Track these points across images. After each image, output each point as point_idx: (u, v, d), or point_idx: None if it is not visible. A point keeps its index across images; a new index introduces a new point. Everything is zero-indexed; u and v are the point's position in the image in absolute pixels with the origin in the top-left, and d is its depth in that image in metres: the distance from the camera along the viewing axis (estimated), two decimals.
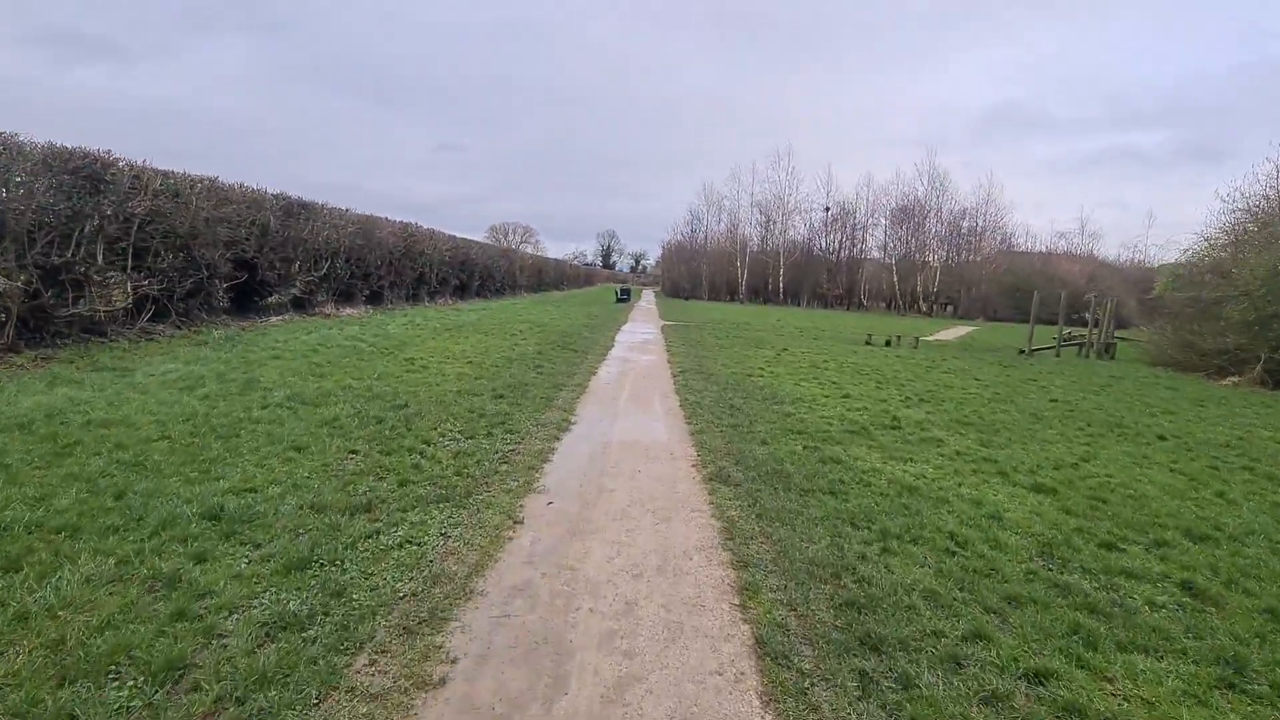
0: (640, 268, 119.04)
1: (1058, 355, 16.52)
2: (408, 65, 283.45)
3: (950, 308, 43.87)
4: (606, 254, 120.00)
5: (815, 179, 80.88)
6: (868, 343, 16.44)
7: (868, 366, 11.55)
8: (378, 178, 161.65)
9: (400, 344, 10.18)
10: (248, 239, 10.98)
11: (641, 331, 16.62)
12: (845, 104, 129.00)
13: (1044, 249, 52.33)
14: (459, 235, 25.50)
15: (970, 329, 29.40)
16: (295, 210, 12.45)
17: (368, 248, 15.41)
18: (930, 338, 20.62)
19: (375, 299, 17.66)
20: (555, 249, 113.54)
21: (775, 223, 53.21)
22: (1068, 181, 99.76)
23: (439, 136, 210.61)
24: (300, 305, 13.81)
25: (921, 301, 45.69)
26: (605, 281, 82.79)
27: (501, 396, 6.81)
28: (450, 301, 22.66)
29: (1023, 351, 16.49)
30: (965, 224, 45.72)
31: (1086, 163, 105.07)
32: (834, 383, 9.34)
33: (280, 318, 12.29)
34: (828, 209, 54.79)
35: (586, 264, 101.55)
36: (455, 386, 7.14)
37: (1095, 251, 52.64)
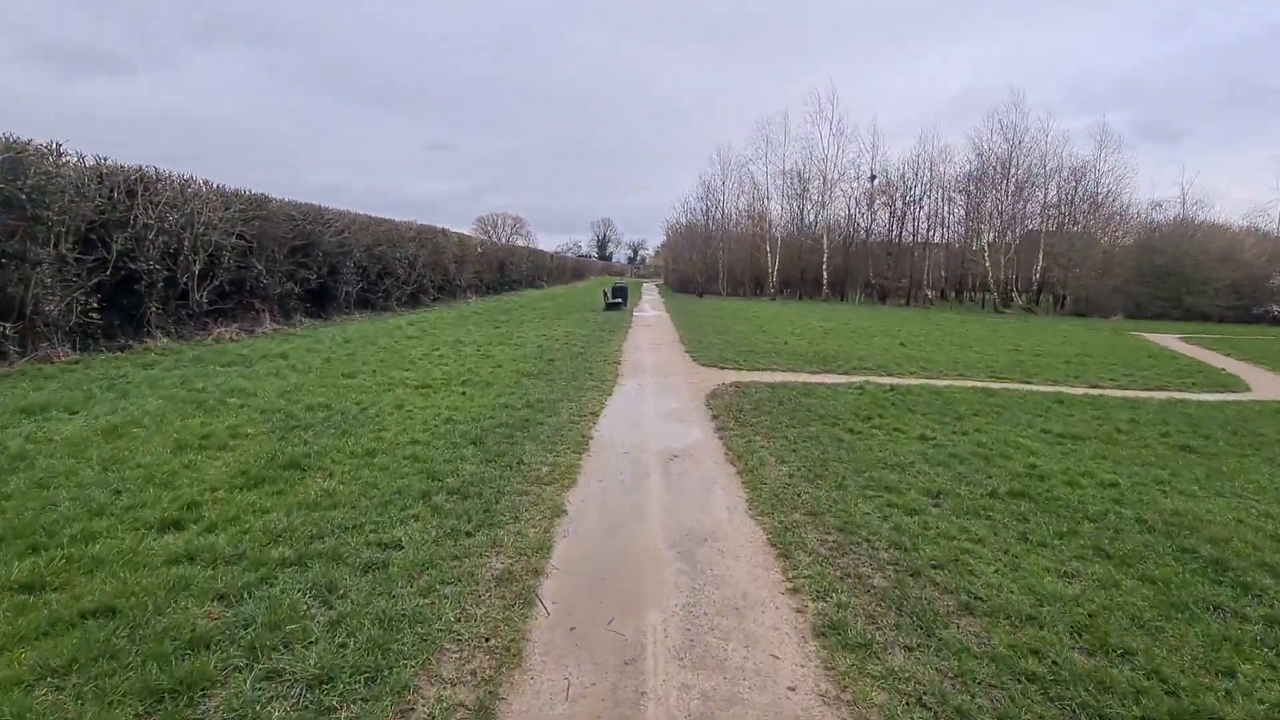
0: (639, 258, 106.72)
1: None
2: (398, 68, 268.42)
3: (1065, 300, 32.24)
4: (603, 244, 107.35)
5: (857, 144, 56.17)
6: None
7: None
8: (370, 177, 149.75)
9: None
10: None
11: (676, 479, 5.42)
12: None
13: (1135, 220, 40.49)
14: (376, 213, 13.94)
15: (1199, 346, 17.92)
16: None
17: None
18: None
19: None
20: (549, 242, 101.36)
21: (814, 195, 41.27)
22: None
23: (430, 135, 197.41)
24: None
25: (1016, 293, 34.16)
26: (599, 274, 71.00)
27: None
28: (284, 325, 11.37)
29: None
30: (1078, 188, 33.78)
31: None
32: None
33: None
34: (874, 176, 43.14)
35: (581, 255, 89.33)
36: None
37: (1199, 219, 40.58)
